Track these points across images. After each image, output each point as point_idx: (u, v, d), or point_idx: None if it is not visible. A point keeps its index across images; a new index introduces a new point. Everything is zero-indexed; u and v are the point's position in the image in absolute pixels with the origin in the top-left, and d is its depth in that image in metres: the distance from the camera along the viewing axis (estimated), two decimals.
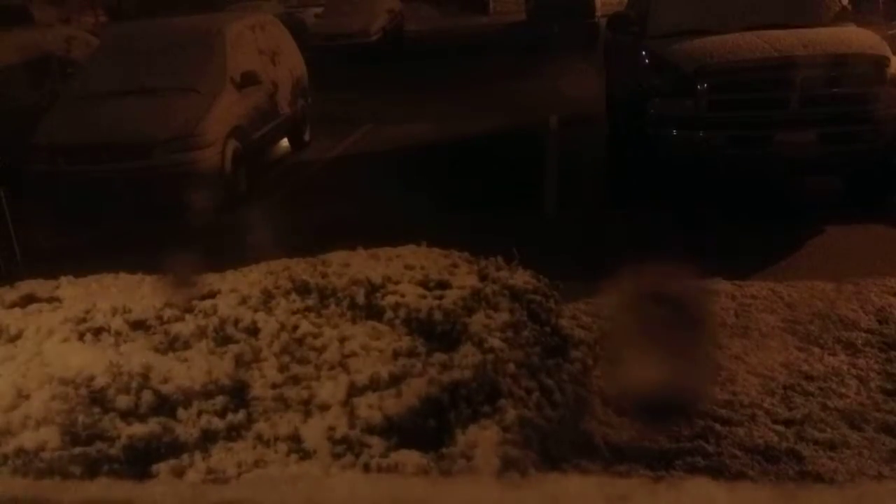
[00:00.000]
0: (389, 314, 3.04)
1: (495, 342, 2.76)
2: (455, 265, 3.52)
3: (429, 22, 22.80)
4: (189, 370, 2.80)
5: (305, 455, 2.27)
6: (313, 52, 13.98)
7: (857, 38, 5.82)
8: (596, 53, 10.79)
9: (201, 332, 3.09)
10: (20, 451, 2.46)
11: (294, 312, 3.14)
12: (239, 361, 2.83)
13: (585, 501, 0.65)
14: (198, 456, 2.35)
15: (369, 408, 2.42)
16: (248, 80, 7.43)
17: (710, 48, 5.80)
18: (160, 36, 7.89)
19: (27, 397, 2.75)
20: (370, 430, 2.33)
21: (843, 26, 6.18)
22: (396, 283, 3.26)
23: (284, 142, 8.82)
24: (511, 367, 2.65)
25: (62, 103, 7.29)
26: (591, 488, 0.67)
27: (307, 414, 2.46)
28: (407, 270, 3.43)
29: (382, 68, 15.30)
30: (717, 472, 2.74)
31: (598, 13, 16.25)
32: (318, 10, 18.59)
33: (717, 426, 3.00)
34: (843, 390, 3.22)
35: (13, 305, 3.61)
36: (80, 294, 3.62)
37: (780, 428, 2.98)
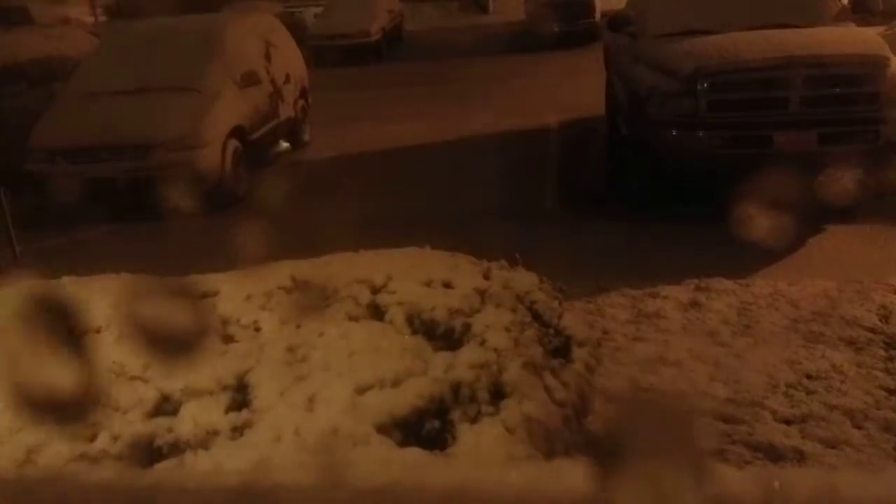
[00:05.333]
0: (392, 313, 3.04)
1: (499, 342, 2.76)
2: (458, 266, 3.52)
3: (429, 21, 22.80)
4: (191, 368, 2.80)
5: (311, 453, 2.27)
6: (313, 52, 14.00)
7: (857, 37, 5.83)
8: (596, 53, 10.80)
9: (203, 331, 3.09)
10: (21, 449, 2.45)
11: (296, 311, 3.14)
12: (241, 360, 2.83)
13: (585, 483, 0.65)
14: (201, 454, 2.35)
15: (373, 406, 2.42)
16: (248, 80, 7.43)
17: (709, 48, 5.80)
18: (160, 35, 7.89)
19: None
20: (374, 428, 2.33)
21: (842, 26, 6.19)
22: (399, 282, 3.26)
23: (284, 142, 8.82)
24: (515, 366, 2.65)
25: (62, 102, 7.28)
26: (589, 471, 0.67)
27: (311, 412, 2.46)
28: (409, 270, 3.42)
29: (382, 68, 15.30)
30: None
31: (598, 13, 16.25)
32: (318, 9, 18.58)
33: (720, 424, 3.00)
34: (846, 388, 3.23)
35: None
36: (82, 293, 3.61)
37: (783, 426, 2.99)
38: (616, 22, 7.51)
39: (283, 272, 3.52)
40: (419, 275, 3.37)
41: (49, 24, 10.99)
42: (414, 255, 3.69)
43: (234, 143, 7.00)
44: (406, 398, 2.47)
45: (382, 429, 2.35)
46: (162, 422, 2.54)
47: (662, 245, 5.12)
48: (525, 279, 3.40)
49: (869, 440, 2.89)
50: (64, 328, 3.17)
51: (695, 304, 4.14)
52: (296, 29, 11.70)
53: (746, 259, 4.70)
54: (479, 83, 12.31)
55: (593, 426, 2.87)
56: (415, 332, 2.94)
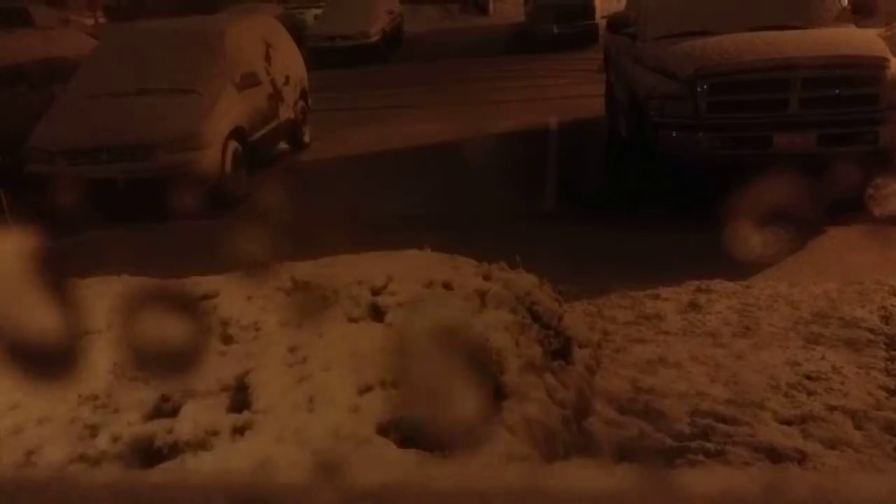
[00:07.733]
0: (393, 314, 3.04)
1: (500, 342, 2.76)
2: (458, 267, 3.52)
3: (429, 23, 22.80)
4: (191, 369, 2.79)
5: (312, 454, 2.26)
6: (313, 53, 14.01)
7: (857, 38, 5.84)
8: (596, 55, 10.81)
9: (203, 332, 3.08)
10: (21, 450, 2.45)
11: (297, 312, 3.14)
12: (242, 360, 2.83)
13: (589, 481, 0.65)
14: (202, 455, 2.35)
15: (375, 407, 2.42)
16: (248, 81, 7.44)
17: (709, 49, 5.80)
18: (160, 37, 7.90)
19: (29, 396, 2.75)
20: (376, 429, 2.33)
21: (842, 27, 6.19)
22: (400, 283, 3.26)
23: (284, 143, 8.82)
24: (515, 367, 2.65)
25: (62, 104, 7.28)
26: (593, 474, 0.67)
27: (311, 413, 2.46)
28: (410, 272, 3.43)
29: (382, 69, 15.30)
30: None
31: (598, 14, 16.25)
32: (318, 11, 18.60)
33: (720, 424, 3.00)
34: (847, 389, 3.22)
35: None
36: (83, 294, 3.61)
37: (784, 427, 2.98)
38: (616, 23, 7.51)
39: (283, 273, 3.52)
40: (419, 276, 3.37)
41: (49, 26, 10.99)
42: (414, 256, 3.70)
43: (234, 145, 7.00)
44: (408, 399, 2.47)
45: (385, 429, 2.35)
46: (162, 423, 2.53)
47: (662, 246, 5.12)
48: (525, 280, 3.40)
49: (870, 441, 2.89)
50: None
51: (695, 306, 4.14)
52: (296, 30, 11.71)
53: (746, 261, 4.69)
54: (479, 84, 12.31)
55: (593, 427, 2.87)
56: None
